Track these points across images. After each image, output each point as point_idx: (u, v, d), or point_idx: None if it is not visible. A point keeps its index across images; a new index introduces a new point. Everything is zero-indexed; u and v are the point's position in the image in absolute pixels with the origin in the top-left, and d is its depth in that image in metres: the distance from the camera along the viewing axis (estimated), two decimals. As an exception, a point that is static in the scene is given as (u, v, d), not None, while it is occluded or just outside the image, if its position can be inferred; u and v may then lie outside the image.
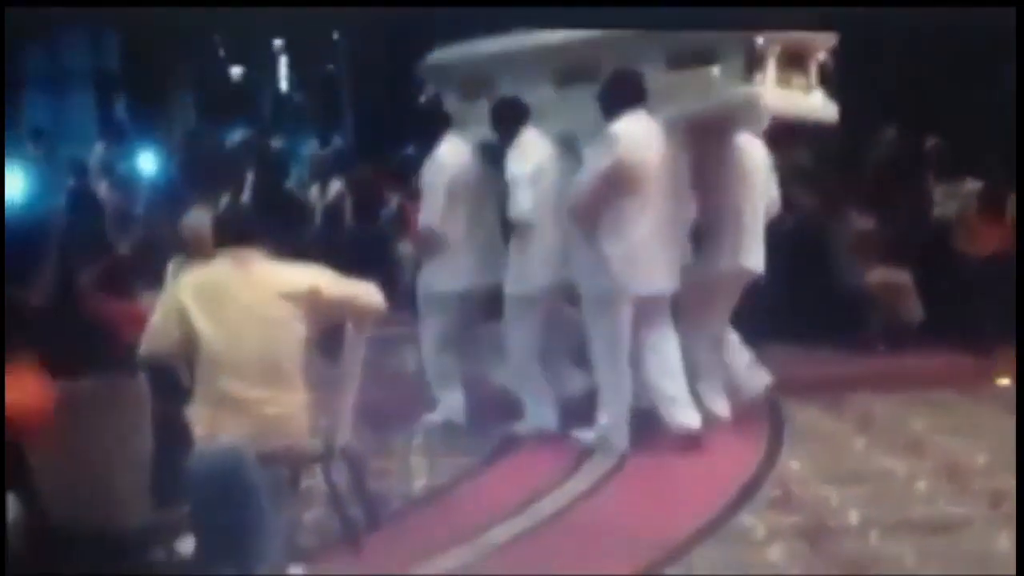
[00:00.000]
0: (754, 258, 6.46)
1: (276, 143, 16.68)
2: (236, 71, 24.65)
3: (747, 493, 5.48)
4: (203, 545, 4.21)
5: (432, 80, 7.07)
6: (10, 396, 3.45)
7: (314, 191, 13.13)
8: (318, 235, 12.07)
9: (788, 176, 9.68)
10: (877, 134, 10.24)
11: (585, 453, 6.08)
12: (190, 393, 4.42)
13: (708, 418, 6.32)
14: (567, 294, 6.41)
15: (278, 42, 24.47)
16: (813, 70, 6.38)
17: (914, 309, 8.49)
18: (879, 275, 8.66)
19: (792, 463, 5.95)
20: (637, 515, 5.28)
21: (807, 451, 6.15)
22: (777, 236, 8.52)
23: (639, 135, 5.94)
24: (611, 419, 6.07)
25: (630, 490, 5.71)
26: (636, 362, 6.12)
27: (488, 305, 6.81)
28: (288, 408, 4.55)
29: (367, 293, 4.74)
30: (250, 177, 12.85)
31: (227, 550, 4.28)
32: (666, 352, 6.13)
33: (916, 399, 7.08)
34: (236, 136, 17.32)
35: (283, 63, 25.22)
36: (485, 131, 6.58)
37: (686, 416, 6.10)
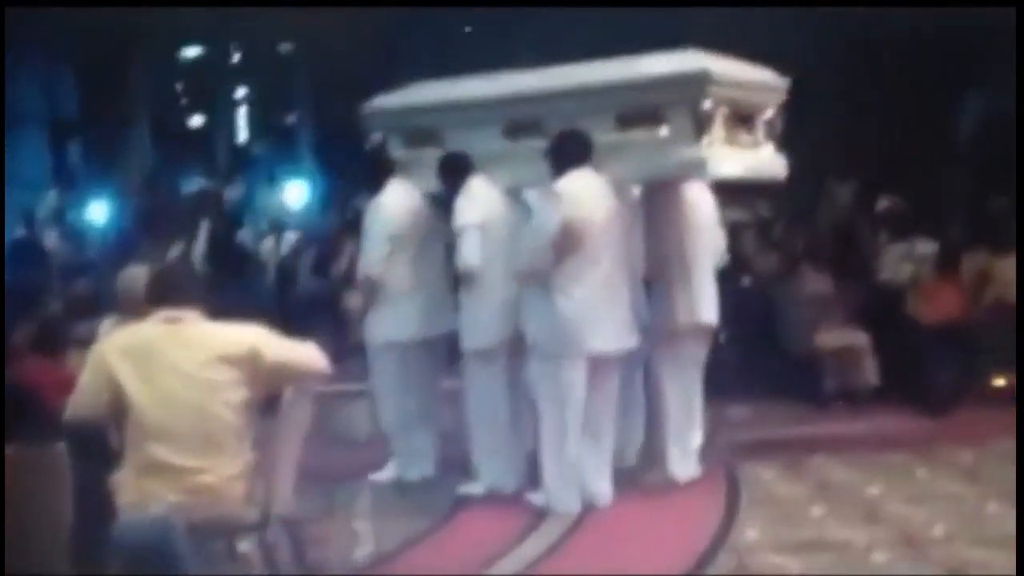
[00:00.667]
0: (707, 311, 6.44)
1: (232, 193, 16.50)
2: (196, 120, 24.53)
3: (703, 561, 5.33)
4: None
5: (376, 126, 6.96)
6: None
7: (268, 243, 12.93)
8: (270, 289, 11.92)
9: (744, 232, 9.73)
10: (828, 190, 10.25)
11: (540, 515, 5.93)
12: (116, 459, 4.20)
13: (669, 482, 6.33)
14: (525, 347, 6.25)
15: (240, 92, 24.43)
16: (761, 127, 6.38)
17: (870, 371, 8.41)
18: (835, 337, 8.58)
19: (748, 531, 5.80)
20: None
21: (764, 517, 6.00)
22: (734, 294, 8.52)
23: (584, 193, 5.91)
24: (554, 481, 5.94)
25: (581, 559, 5.53)
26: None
27: (437, 355, 6.71)
28: (222, 477, 4.31)
29: (309, 355, 4.54)
30: (204, 227, 12.72)
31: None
32: (600, 417, 6.03)
33: (873, 463, 6.96)
34: (192, 185, 17.18)
35: (242, 113, 25.12)
36: (429, 181, 6.51)
37: (564, 501, 5.96)
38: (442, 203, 6.45)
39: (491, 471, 6.34)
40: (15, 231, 13.95)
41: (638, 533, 5.80)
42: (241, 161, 21.92)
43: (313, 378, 4.57)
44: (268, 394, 4.52)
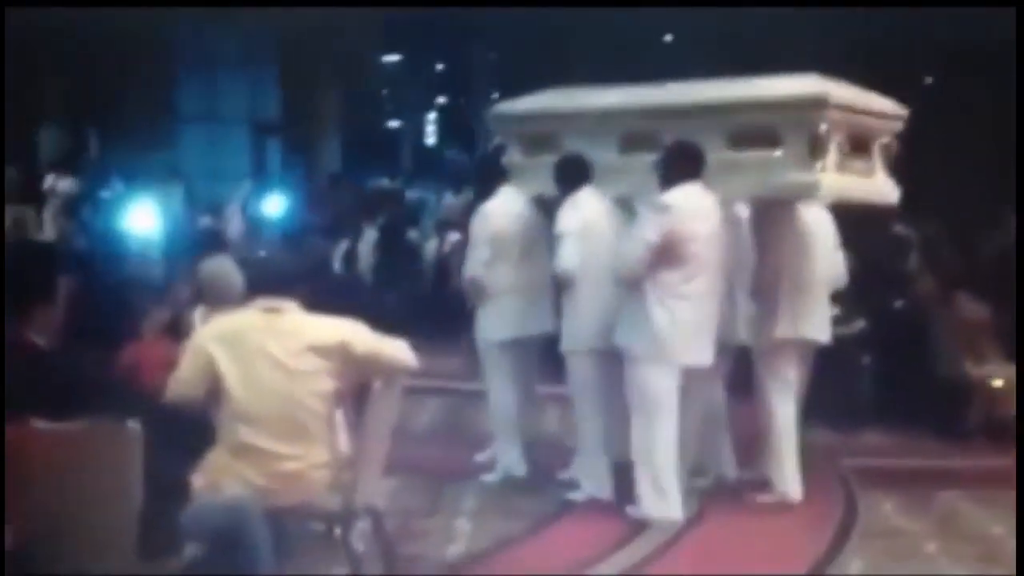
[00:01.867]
0: (814, 327, 6.36)
1: (412, 194, 16.90)
2: (392, 123, 25.26)
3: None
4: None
5: (498, 130, 7.16)
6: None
7: (432, 242, 13.22)
8: (428, 286, 12.22)
9: (907, 249, 9.44)
10: (999, 216, 9.82)
11: (641, 525, 5.90)
12: (196, 444, 4.37)
13: (779, 500, 6.26)
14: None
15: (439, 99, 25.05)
16: (876, 153, 6.34)
17: (1012, 406, 8.01)
18: (986, 370, 8.20)
19: (854, 561, 5.62)
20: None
21: (874, 549, 5.80)
22: (885, 315, 8.27)
23: (692, 206, 5.90)
24: (646, 491, 5.94)
25: (673, 570, 5.49)
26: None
27: (542, 356, 6.85)
28: (308, 464, 4.46)
29: (398, 350, 4.65)
30: (375, 225, 13.09)
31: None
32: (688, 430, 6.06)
33: (1006, 502, 6.60)
34: (375, 184, 17.70)
35: (433, 118, 25.75)
36: (543, 185, 6.62)
37: (659, 509, 5.95)
38: (551, 208, 6.52)
39: (587, 477, 6.39)
40: (201, 221, 14.58)
41: (736, 552, 5.71)
42: (427, 164, 22.45)
43: (400, 372, 4.67)
44: (357, 386, 4.65)
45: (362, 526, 4.90)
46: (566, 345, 6.44)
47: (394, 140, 24.56)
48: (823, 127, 5.89)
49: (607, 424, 6.38)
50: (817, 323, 6.37)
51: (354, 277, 12.33)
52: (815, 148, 5.88)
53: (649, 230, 5.86)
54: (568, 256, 6.23)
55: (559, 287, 6.45)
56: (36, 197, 16.61)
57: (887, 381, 8.25)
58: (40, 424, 3.68)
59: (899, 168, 6.54)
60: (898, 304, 8.93)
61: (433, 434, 8.12)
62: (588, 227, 6.28)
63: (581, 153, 6.49)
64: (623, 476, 6.24)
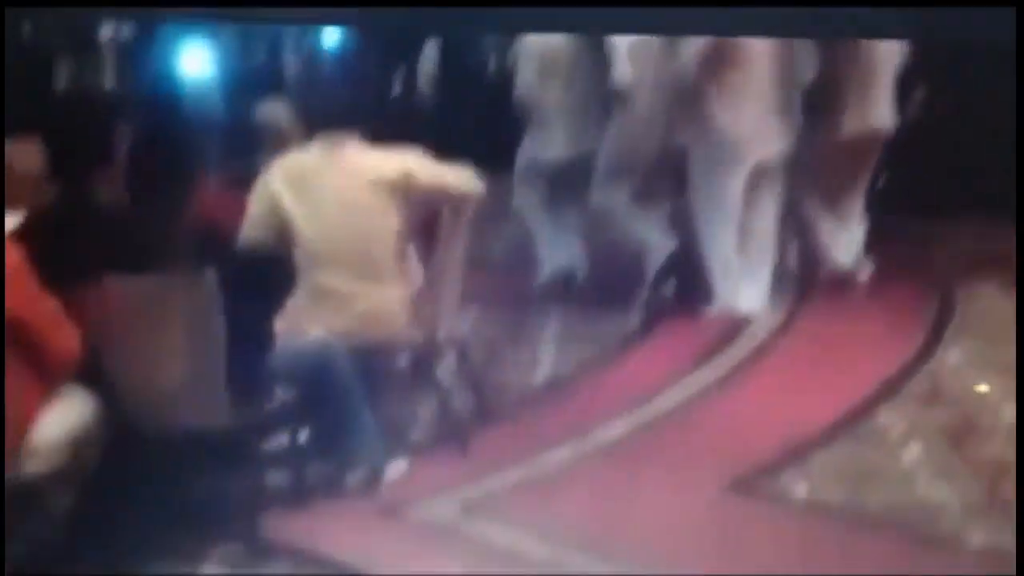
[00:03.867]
0: (882, 116, 6.33)
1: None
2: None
3: (891, 387, 5.07)
4: (294, 443, 4.16)
5: None
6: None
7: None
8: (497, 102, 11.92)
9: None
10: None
11: (728, 333, 5.80)
12: (274, 287, 4.28)
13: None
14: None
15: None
16: None
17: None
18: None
19: (951, 352, 5.46)
20: (763, 412, 4.93)
21: (971, 337, 5.64)
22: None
23: None
24: (727, 287, 6.07)
25: (760, 384, 5.37)
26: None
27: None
28: (385, 300, 4.38)
29: (463, 178, 4.50)
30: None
31: (320, 447, 4.24)
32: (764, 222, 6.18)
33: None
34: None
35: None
36: None
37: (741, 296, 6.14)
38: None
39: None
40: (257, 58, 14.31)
41: (837, 345, 5.62)
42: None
43: (467, 200, 4.54)
44: (427, 218, 4.52)
45: (447, 358, 4.86)
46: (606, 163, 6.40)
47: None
48: None
49: None
50: (883, 108, 6.30)
51: (415, 100, 12.06)
52: None
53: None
54: (623, 72, 6.19)
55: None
56: (92, 43, 16.43)
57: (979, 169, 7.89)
58: (116, 281, 3.60)
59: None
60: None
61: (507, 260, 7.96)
62: (638, 42, 6.18)
63: None
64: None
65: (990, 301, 6.24)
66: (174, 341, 3.72)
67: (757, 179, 6.07)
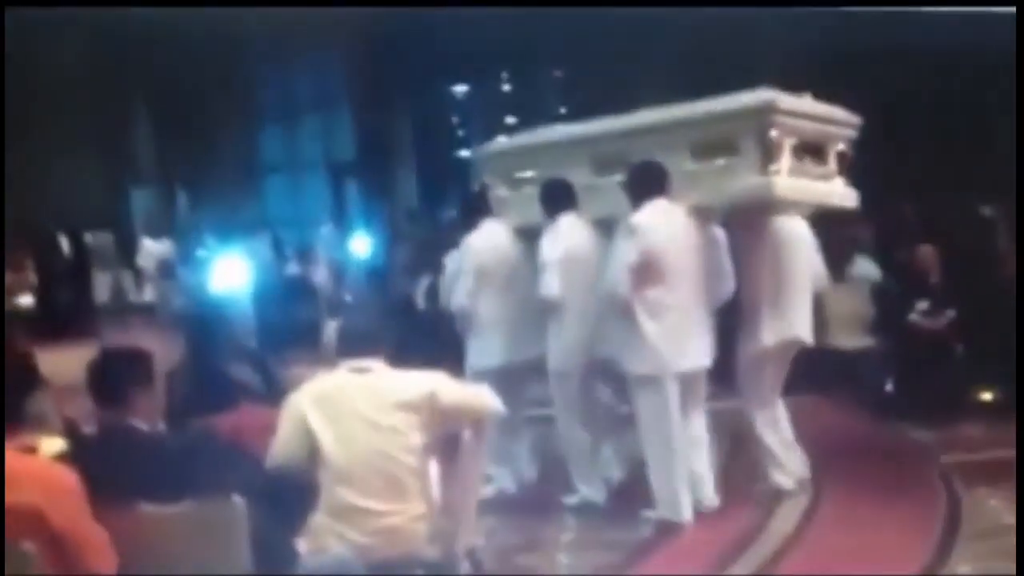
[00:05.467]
0: (797, 329, 6.63)
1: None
2: (462, 152, 25.37)
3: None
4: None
5: (484, 170, 7.60)
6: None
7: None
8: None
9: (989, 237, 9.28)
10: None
11: (742, 542, 5.94)
12: (299, 507, 4.48)
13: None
14: (602, 370, 6.76)
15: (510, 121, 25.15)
16: (832, 159, 6.61)
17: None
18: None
19: (961, 567, 5.57)
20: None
21: (982, 551, 5.74)
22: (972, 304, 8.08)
23: (659, 224, 6.24)
24: (667, 495, 6.24)
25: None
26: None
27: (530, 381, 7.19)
28: (406, 518, 4.55)
29: (482, 397, 4.76)
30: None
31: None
32: (698, 429, 6.43)
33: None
34: (452, 216, 17.80)
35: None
36: (526, 215, 7.01)
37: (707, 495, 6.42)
38: (533, 236, 6.88)
39: (584, 483, 6.80)
40: (289, 268, 14.84)
41: (845, 558, 5.70)
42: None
43: (487, 418, 4.78)
44: (447, 436, 4.74)
45: (463, 569, 5.00)
46: (552, 365, 6.77)
47: (468, 170, 24.64)
48: (773, 132, 6.20)
49: (593, 436, 6.84)
50: (799, 324, 6.64)
51: (438, 313, 12.42)
52: (767, 153, 6.19)
53: (626, 252, 6.15)
54: (549, 284, 6.57)
55: (545, 312, 6.74)
56: (132, 262, 17.07)
57: (982, 371, 8.14)
58: (148, 509, 3.80)
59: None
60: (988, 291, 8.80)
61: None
62: (570, 254, 6.62)
63: (561, 177, 6.90)
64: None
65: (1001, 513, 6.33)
66: (200, 566, 3.88)
67: (686, 386, 6.30)
